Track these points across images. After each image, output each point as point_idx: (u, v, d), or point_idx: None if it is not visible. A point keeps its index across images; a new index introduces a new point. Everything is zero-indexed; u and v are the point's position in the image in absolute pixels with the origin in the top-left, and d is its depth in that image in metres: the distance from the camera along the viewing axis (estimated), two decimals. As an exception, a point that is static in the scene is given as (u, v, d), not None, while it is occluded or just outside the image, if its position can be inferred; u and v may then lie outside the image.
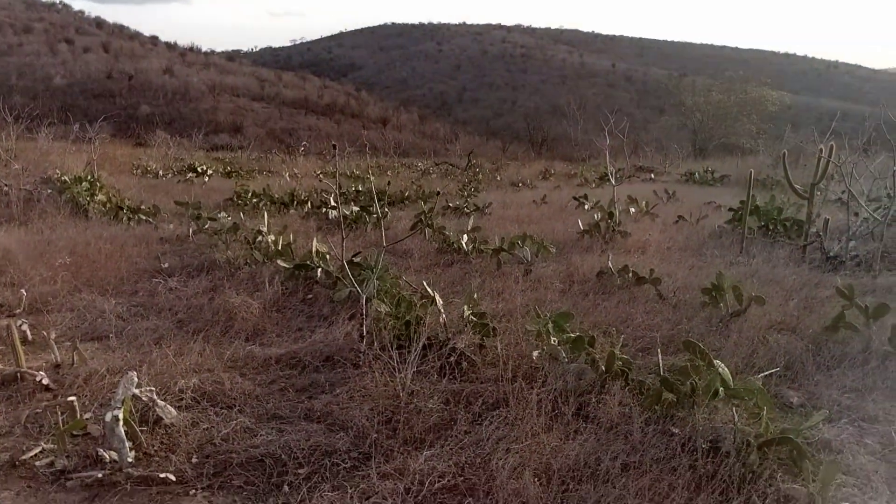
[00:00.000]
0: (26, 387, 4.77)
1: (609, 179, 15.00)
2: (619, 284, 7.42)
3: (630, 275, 7.39)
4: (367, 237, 10.78)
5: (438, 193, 17.52)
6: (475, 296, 5.79)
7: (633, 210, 13.18)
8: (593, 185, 21.83)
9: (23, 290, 6.89)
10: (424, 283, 6.05)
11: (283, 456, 3.74)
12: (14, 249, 9.11)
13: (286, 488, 3.48)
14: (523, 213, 14.00)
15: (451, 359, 4.93)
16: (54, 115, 25.95)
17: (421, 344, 4.93)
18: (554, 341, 4.92)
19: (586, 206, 14.27)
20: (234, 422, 4.12)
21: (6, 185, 16.10)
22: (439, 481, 3.45)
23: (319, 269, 7.59)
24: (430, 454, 3.69)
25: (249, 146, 40.99)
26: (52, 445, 3.88)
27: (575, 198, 15.46)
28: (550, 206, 15.55)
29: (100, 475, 3.57)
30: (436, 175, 28.10)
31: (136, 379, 4.08)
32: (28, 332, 5.79)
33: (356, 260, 6.96)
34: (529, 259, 8.67)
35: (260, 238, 9.11)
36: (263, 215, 9.98)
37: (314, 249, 7.91)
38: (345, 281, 6.71)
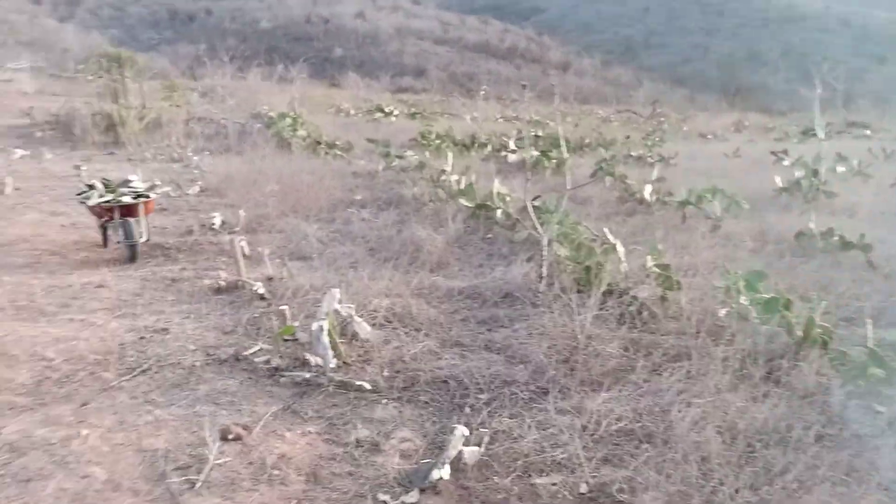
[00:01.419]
0: (245, 294, 5.45)
1: (815, 134, 13.57)
2: (820, 248, 6.81)
3: (835, 238, 6.74)
4: (546, 182, 10.75)
5: (628, 137, 16.91)
6: (659, 247, 5.62)
7: (841, 168, 11.86)
8: (794, 140, 19.86)
9: (241, 212, 7.77)
10: (605, 231, 5.98)
11: (465, 380, 3.97)
12: (233, 175, 10.26)
13: (468, 410, 3.71)
14: (712, 166, 13.14)
15: (632, 308, 4.87)
16: (261, 57, 28.32)
17: (601, 290, 4.91)
18: (744, 301, 4.67)
19: (785, 162, 13.08)
20: (421, 344, 4.43)
21: (224, 119, 17.99)
22: (616, 423, 3.49)
23: (499, 210, 7.75)
24: (607, 396, 3.72)
25: (432, 89, 42.08)
26: (267, 346, 4.43)
27: (773, 152, 14.21)
28: (743, 160, 14.44)
29: (307, 376, 4.03)
30: (617, 123, 27.09)
31: (338, 295, 4.50)
32: (246, 248, 6.56)
33: (536, 203, 7.00)
34: (718, 214, 8.18)
35: (444, 177, 9.45)
36: (448, 156, 10.30)
37: (495, 191, 8.08)
38: (524, 223, 6.81)
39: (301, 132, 15.26)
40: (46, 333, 4.52)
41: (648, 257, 5.39)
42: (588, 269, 5.46)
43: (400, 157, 11.65)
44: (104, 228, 6.75)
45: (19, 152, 12.92)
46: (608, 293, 5.03)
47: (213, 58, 25.09)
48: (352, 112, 23.80)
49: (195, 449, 3.21)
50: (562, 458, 3.22)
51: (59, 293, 5.38)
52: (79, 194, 6.72)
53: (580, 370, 4.07)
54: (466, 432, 3.21)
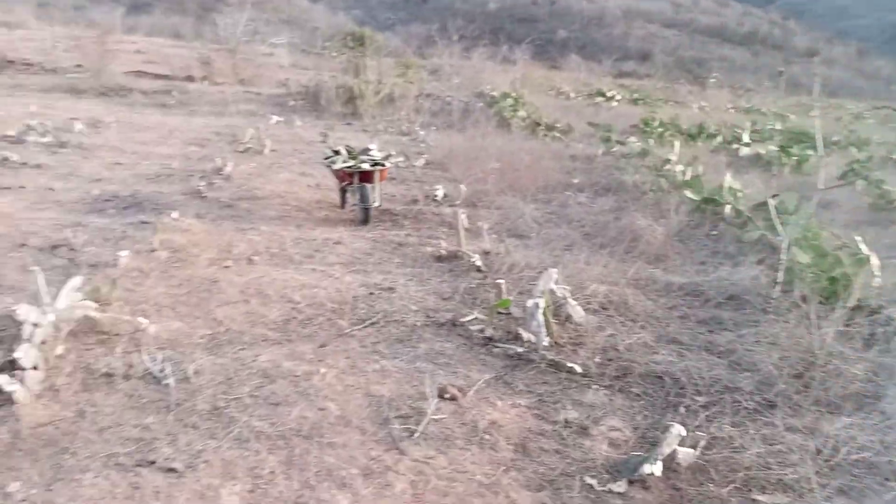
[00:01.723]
0: (463, 264, 5.67)
1: None
2: None
3: None
4: (784, 180, 9.80)
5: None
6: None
7: None
8: None
9: (462, 186, 8.09)
10: (857, 239, 5.31)
11: (682, 379, 3.79)
12: (455, 151, 10.69)
13: (682, 410, 3.54)
14: None
15: (886, 329, 4.29)
16: (487, 37, 28.96)
17: (849, 304, 4.38)
18: None
19: None
20: (636, 335, 4.30)
21: (449, 97, 18.77)
22: (857, 453, 3.12)
23: (728, 206, 7.21)
24: (848, 422, 3.34)
25: (656, 74, 40.14)
26: (482, 316, 4.59)
27: None
28: None
29: (519, 350, 4.11)
30: (872, 120, 23.81)
31: (555, 276, 4.51)
32: (465, 221, 6.82)
33: (773, 202, 6.41)
34: None
35: (667, 167, 9.02)
36: (674, 144, 9.79)
37: (725, 185, 7.53)
38: (757, 222, 6.27)
39: (521, 112, 15.43)
40: (294, 279, 5.09)
41: (910, 274, 4.70)
42: (834, 279, 4.90)
43: (621, 142, 11.31)
44: (343, 191, 7.41)
45: (275, 118, 14.59)
46: (856, 309, 4.48)
47: (442, 37, 26.20)
48: (571, 95, 23.55)
49: (415, 402, 3.43)
50: (790, 480, 2.95)
51: (305, 245, 6.02)
52: (325, 158, 7.43)
53: (816, 388, 3.68)
54: (683, 432, 3.07)
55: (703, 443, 3.18)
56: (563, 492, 2.85)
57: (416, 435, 3.16)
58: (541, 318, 4.16)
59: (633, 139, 11.66)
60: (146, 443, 2.92)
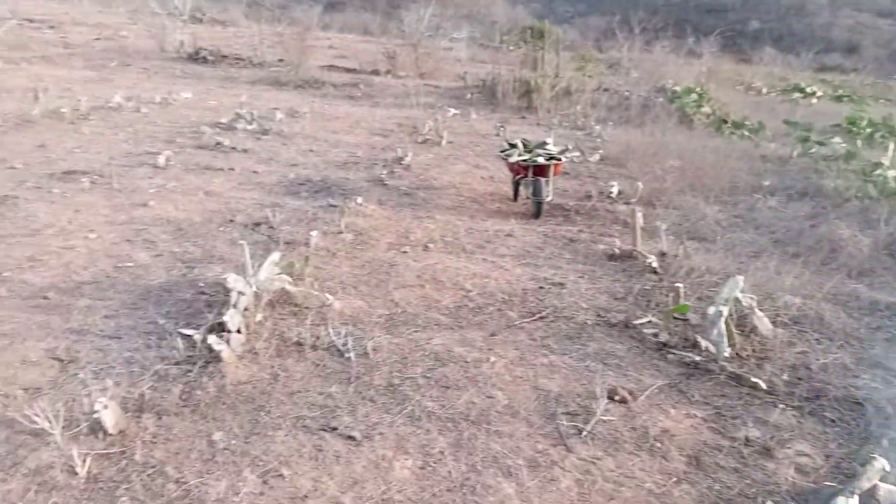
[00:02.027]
0: (637, 265, 5.48)
1: None
2: None
3: None
4: None
5: None
6: None
7: None
8: None
9: (639, 183, 7.80)
10: None
11: (887, 409, 3.39)
12: (633, 147, 10.34)
13: (885, 443, 3.15)
14: None
15: None
16: (670, 29, 27.56)
17: None
18: None
19: None
20: (833, 355, 3.91)
21: (627, 91, 18.18)
22: None
23: (955, 219, 6.30)
24: None
25: (865, 69, 35.94)
26: (656, 320, 4.40)
27: None
28: None
29: (697, 358, 3.89)
30: None
31: (741, 283, 4.21)
32: (641, 220, 6.57)
33: None
34: None
35: (878, 171, 8.05)
36: (889, 147, 8.71)
37: (952, 195, 6.58)
38: None
39: (705, 108, 14.56)
40: (466, 268, 5.22)
41: None
42: None
43: (821, 143, 10.27)
44: (517, 184, 7.46)
45: (452, 111, 15.00)
46: None
47: (622, 30, 25.38)
48: (763, 90, 21.79)
49: (583, 400, 3.38)
50: None
51: (477, 235, 6.14)
52: (501, 151, 7.51)
53: None
54: (887, 466, 2.74)
55: (911, 482, 2.82)
56: (742, 514, 2.67)
57: (584, 434, 3.11)
58: (723, 326, 3.92)
59: (836, 140, 10.53)
60: (329, 410, 3.15)
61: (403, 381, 3.45)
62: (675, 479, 2.86)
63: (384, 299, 4.51)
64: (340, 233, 5.74)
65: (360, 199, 6.70)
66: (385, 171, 8.27)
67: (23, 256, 4.66)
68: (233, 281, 3.86)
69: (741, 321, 4.22)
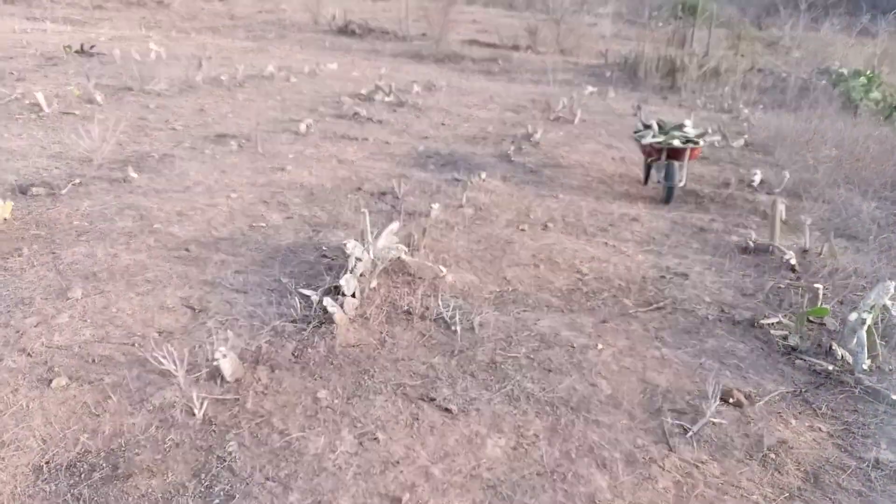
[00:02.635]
0: (773, 261, 5.08)
1: None
2: None
3: None
4: None
5: None
6: None
7: None
8: None
9: (786, 172, 7.20)
10: None
11: None
12: (783, 132, 9.55)
13: None
14: None
15: None
16: (842, 5, 24.97)
17: None
18: None
19: None
20: None
21: (784, 72, 16.78)
22: None
23: None
24: None
25: None
26: (787, 321, 4.07)
27: None
28: None
29: (829, 367, 3.56)
30: None
31: (892, 290, 3.79)
32: (784, 212, 6.07)
33: None
34: None
35: None
36: None
37: None
38: None
39: (875, 94, 13.13)
40: (584, 250, 5.08)
41: None
42: None
43: None
44: (648, 167, 7.13)
45: (590, 88, 14.56)
46: None
47: (787, 5, 23.35)
48: (951, 75, 19.24)
49: (693, 398, 3.21)
50: None
51: (600, 217, 5.95)
52: (635, 132, 7.20)
53: None
54: None
55: None
56: (860, 542, 2.43)
57: (690, 434, 2.96)
58: (864, 335, 3.55)
59: None
60: (430, 380, 3.20)
61: (506, 360, 3.44)
62: (786, 494, 2.65)
63: (496, 276, 4.50)
64: (461, 207, 5.78)
65: (483, 175, 6.71)
66: (513, 148, 8.21)
67: (172, 210, 5.09)
68: (351, 247, 4.01)
69: (887, 332, 3.81)
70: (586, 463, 2.73)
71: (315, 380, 3.12)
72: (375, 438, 2.76)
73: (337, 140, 7.95)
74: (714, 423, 3.04)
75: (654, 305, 4.22)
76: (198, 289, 3.89)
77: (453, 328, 3.68)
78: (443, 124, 9.56)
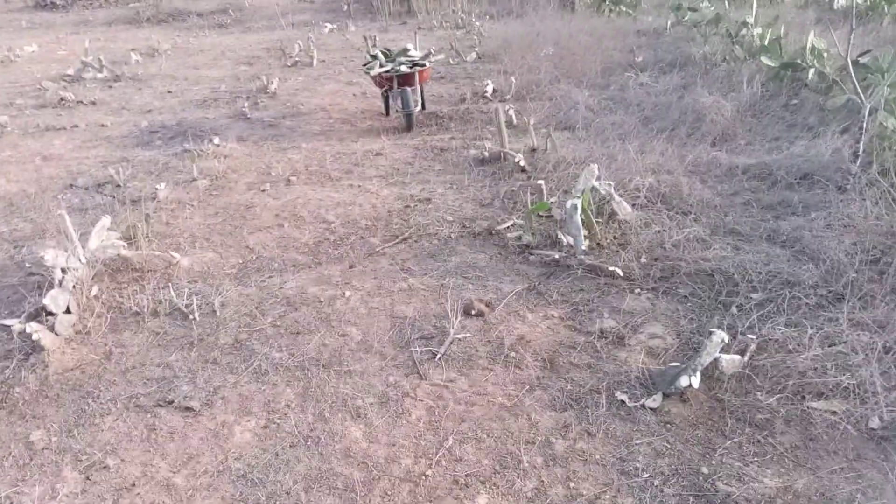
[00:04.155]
0: (506, 166, 5.35)
1: None
2: None
3: None
4: (882, 33, 8.58)
5: None
6: None
7: None
8: None
9: (512, 78, 7.58)
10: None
11: (735, 276, 3.43)
12: (510, 39, 10.03)
13: (734, 310, 3.21)
14: None
15: None
16: None
17: (942, 174, 3.80)
18: None
19: None
20: (688, 229, 3.91)
21: (507, -20, 17.55)
22: (936, 349, 2.73)
23: (812, 70, 6.39)
24: (928, 313, 2.92)
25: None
26: (521, 221, 4.31)
27: None
28: None
29: (556, 256, 3.84)
30: None
31: (596, 171, 4.13)
32: (513, 117, 6.41)
33: (863, 60, 5.60)
34: None
35: (744, 31, 8.06)
36: (752, 4, 8.71)
37: (808, 45, 6.64)
38: (844, 86, 5.52)
39: (585, -12, 14.23)
40: (329, 198, 4.97)
41: None
42: (925, 145, 4.25)
43: (693, 9, 10.20)
44: (386, 98, 7.11)
45: (328, 26, 14.17)
46: (952, 179, 3.88)
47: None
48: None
49: (440, 321, 3.28)
50: (849, 384, 2.63)
51: (344, 160, 5.85)
52: (364, 65, 7.11)
53: (893, 275, 3.24)
54: (726, 338, 2.76)
55: (752, 347, 2.88)
56: (590, 410, 2.66)
57: (438, 357, 3.03)
58: (579, 219, 3.85)
59: (706, 3, 10.48)
60: (167, 381, 2.94)
61: (251, 335, 3.26)
62: (527, 387, 2.82)
63: (238, 247, 4.24)
64: (194, 180, 5.35)
65: (216, 140, 6.25)
66: (248, 104, 7.75)
67: None
68: (52, 257, 3.50)
69: (601, 209, 4.18)
70: (340, 418, 2.68)
71: (26, 421, 2.72)
72: (105, 467, 2.47)
73: (40, 134, 6.93)
74: (460, 340, 3.14)
75: (400, 237, 4.24)
76: None
77: (191, 317, 3.40)
78: (169, 92, 8.75)
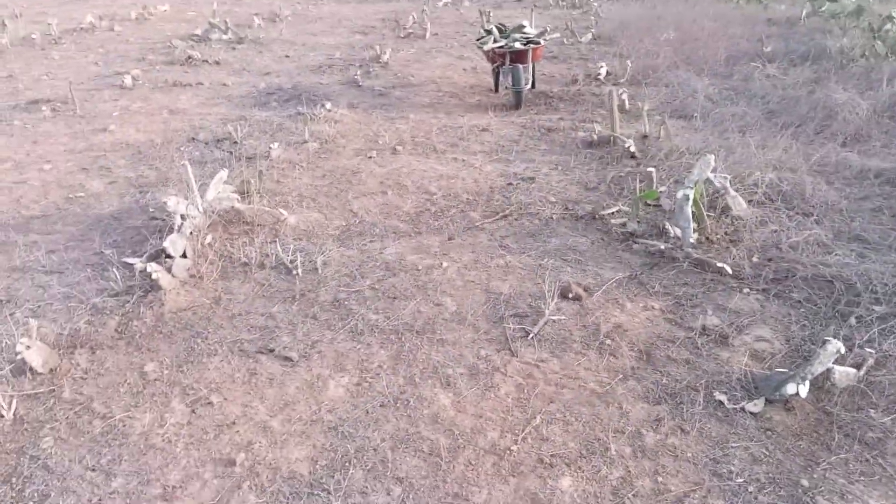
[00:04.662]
0: (616, 151, 5.20)
1: None
2: None
3: None
4: None
5: None
6: None
7: None
8: None
9: (628, 62, 7.33)
10: None
11: (857, 285, 3.20)
12: (627, 21, 9.70)
13: (853, 321, 3.00)
14: None
15: None
16: None
17: None
18: None
19: None
20: (808, 232, 3.68)
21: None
22: None
23: (966, 71, 5.82)
24: None
25: None
26: (626, 208, 4.19)
27: None
28: None
29: (662, 247, 3.70)
30: None
31: (712, 162, 3.94)
32: (626, 102, 6.21)
33: None
34: None
35: (888, 26, 7.44)
36: (901, -4, 8.00)
37: (965, 44, 6.05)
38: None
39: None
40: (433, 170, 5.00)
41: None
42: None
43: (834, 0, 9.50)
44: (496, 74, 7.06)
45: (443, 0, 14.19)
46: None
47: None
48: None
49: (535, 300, 3.25)
50: (979, 414, 2.40)
51: (450, 133, 5.86)
52: (478, 39, 7.07)
53: None
54: (842, 348, 2.59)
55: (870, 362, 2.69)
56: (685, 406, 2.57)
57: (531, 336, 3.00)
58: (689, 211, 3.70)
59: (849, -7, 9.73)
60: (269, 331, 3.07)
61: (350, 296, 3.35)
62: (620, 376, 2.75)
63: (343, 210, 4.35)
64: (305, 142, 5.52)
65: (329, 105, 6.42)
66: (360, 72, 7.90)
67: (-23, 195, 4.56)
68: (173, 204, 3.73)
69: (714, 203, 3.99)
70: (430, 384, 2.72)
71: (142, 353, 2.92)
72: (209, 403, 2.62)
73: (168, 89, 7.35)
74: (554, 322, 3.10)
75: (501, 214, 4.22)
76: (3, 278, 3.52)
77: (294, 272, 3.54)
78: (286, 56, 9.05)
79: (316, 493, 2.21)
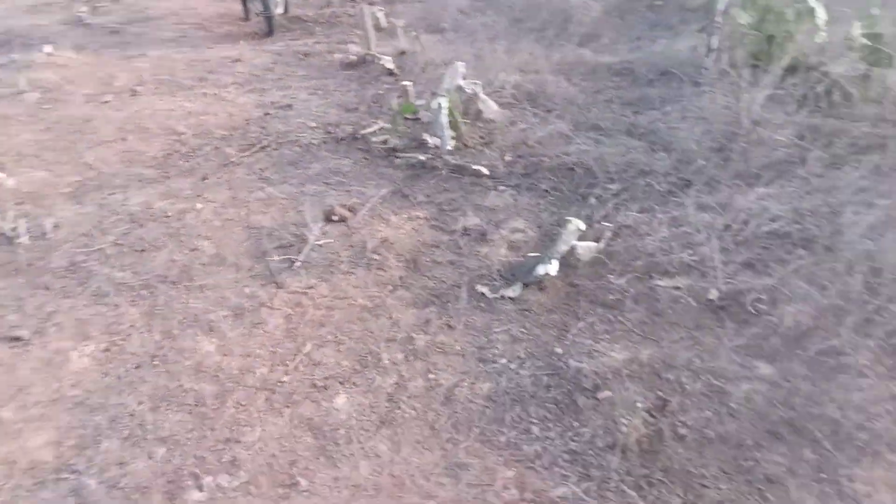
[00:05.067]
0: (374, 69, 5.12)
1: None
2: None
3: None
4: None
5: None
6: (876, 11, 4.35)
7: None
8: None
9: (380, -21, 7.19)
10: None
11: (594, 168, 3.48)
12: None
13: (592, 200, 3.27)
14: None
15: (820, 87, 3.91)
16: None
17: (782, 65, 3.96)
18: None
19: None
20: (551, 126, 3.92)
21: None
22: (769, 224, 2.90)
23: (674, -31, 6.46)
24: (764, 192, 3.10)
25: None
26: (387, 125, 4.16)
27: None
28: None
29: (422, 158, 3.74)
30: None
31: (462, 70, 4.02)
32: (382, 20, 6.10)
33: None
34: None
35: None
36: None
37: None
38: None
39: None
40: (181, 108, 4.58)
41: (856, 24, 4.21)
42: (771, 38, 4.41)
43: None
44: (245, 0, 6.57)
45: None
46: (792, 70, 4.07)
47: None
48: None
49: (299, 229, 3.14)
50: (692, 261, 2.75)
51: (198, 67, 5.39)
52: (217, -37, 6.50)
53: (736, 161, 3.39)
54: (582, 226, 2.80)
55: (608, 234, 2.95)
56: (451, 304, 2.65)
57: (297, 265, 2.90)
58: (444, 119, 3.76)
59: None
60: (-10, 311, 2.65)
61: (89, 256, 2.98)
62: (389, 287, 2.76)
63: (74, 164, 3.83)
64: (21, 93, 4.76)
65: (48, 48, 5.57)
66: (86, 9, 6.94)
67: None
68: None
69: (468, 109, 4.09)
70: (191, 335, 2.53)
71: None
72: (-84, 406, 2.21)
73: None
74: (321, 246, 3.02)
75: (258, 146, 3.99)
76: None
77: (16, 240, 3.06)
78: (-9, -2, 7.69)
79: (63, 476, 1.97)
